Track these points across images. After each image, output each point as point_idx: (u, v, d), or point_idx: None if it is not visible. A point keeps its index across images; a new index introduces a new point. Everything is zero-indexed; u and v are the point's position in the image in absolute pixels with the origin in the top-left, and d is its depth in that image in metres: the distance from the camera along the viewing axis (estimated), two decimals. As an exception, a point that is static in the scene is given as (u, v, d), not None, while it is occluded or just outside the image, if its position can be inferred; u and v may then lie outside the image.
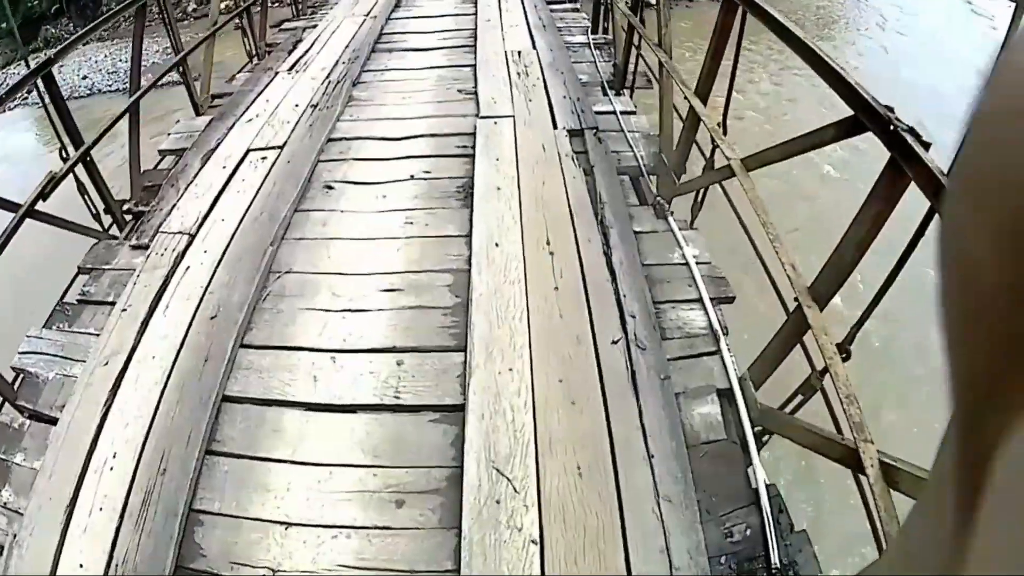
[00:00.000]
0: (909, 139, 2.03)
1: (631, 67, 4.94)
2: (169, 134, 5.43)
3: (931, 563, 0.25)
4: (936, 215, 1.95)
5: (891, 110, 2.17)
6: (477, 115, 4.58)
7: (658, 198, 3.82)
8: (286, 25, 7.87)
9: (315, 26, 7.26)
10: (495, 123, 4.40)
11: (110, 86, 14.95)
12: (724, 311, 3.31)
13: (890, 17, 27.03)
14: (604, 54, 5.75)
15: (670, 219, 3.71)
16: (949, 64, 21.00)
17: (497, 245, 3.43)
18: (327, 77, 5.51)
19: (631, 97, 5.05)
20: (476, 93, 4.92)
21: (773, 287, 3.19)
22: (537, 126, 4.35)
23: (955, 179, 0.21)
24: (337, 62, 5.83)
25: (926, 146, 2.03)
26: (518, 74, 5.10)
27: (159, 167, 5.17)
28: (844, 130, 2.44)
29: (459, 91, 5.06)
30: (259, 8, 7.40)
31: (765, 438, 2.90)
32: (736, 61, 3.34)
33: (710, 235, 3.92)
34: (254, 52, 7.12)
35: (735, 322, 3.34)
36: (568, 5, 7.29)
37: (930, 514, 0.26)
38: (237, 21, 6.65)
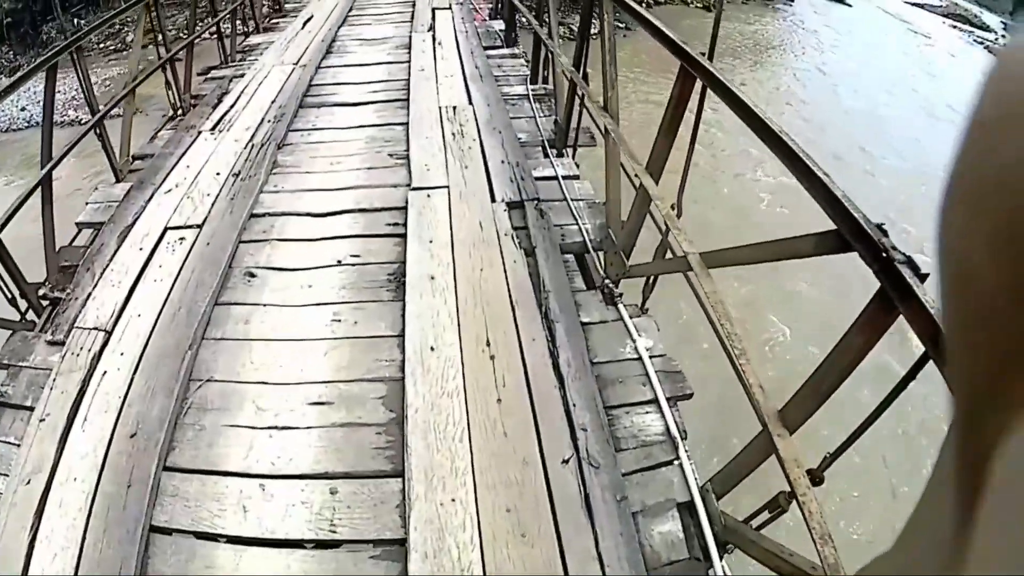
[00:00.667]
0: (905, 273, 1.75)
1: (574, 124, 4.73)
2: (87, 203, 5.04)
3: (932, 563, 0.24)
4: (930, 360, 1.70)
5: (884, 232, 1.89)
6: (409, 186, 4.32)
7: (607, 281, 3.61)
8: (213, 74, 7.50)
9: (243, 75, 6.93)
10: (428, 196, 4.15)
11: (49, 118, 14.40)
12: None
13: (826, 40, 27.55)
14: (544, 107, 5.54)
15: (620, 306, 3.50)
16: (888, 85, 21.58)
17: (432, 349, 3.17)
18: (251, 139, 5.19)
19: (573, 157, 4.85)
20: (408, 158, 4.66)
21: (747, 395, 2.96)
22: (474, 199, 4.11)
23: (952, 183, 0.21)
24: (262, 120, 5.51)
25: (922, 278, 1.75)
26: (453, 135, 4.85)
27: (75, 243, 4.81)
28: (825, 246, 2.14)
29: (390, 155, 4.79)
30: (184, 56, 7.02)
31: (729, 546, 2.71)
32: (694, 138, 3.16)
33: (661, 294, 3.71)
34: (178, 105, 6.75)
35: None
36: (506, 51, 7.08)
37: (930, 514, 0.25)
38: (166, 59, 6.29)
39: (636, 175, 3.33)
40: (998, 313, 0.20)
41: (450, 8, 8.85)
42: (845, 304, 2.11)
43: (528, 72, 6.23)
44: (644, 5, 25.75)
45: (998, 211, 0.19)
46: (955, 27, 43.49)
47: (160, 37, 6.55)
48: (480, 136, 4.82)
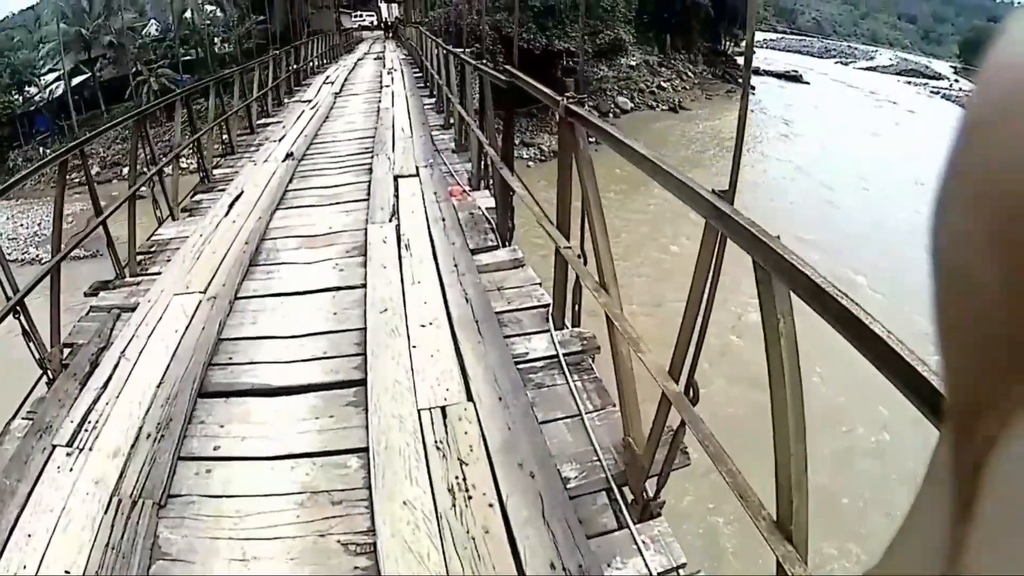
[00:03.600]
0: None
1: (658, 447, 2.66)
2: None
3: (928, 563, 0.24)
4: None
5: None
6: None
7: None
8: (102, 297, 5.37)
9: (136, 305, 4.88)
10: None
11: (9, 254, 13.20)
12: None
13: (793, 124, 26.69)
14: (589, 383, 3.47)
15: None
16: (862, 170, 20.54)
17: None
18: (118, 484, 3.06)
19: (657, 494, 2.74)
20: (376, 559, 2.53)
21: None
22: None
23: (947, 183, 0.21)
24: (139, 434, 3.38)
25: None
26: (451, 491, 2.70)
27: None
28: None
29: (342, 544, 2.63)
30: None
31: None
32: None
33: None
34: (45, 364, 4.66)
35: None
36: (504, 254, 4.99)
37: (927, 514, 0.25)
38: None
39: None
40: (994, 314, 0.19)
41: (417, 175, 6.97)
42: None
43: (548, 301, 4.18)
44: (611, 115, 24.94)
45: (995, 210, 0.18)
46: (910, 83, 44.16)
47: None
48: (500, 494, 2.69)
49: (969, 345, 0.21)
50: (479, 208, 5.94)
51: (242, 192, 7.24)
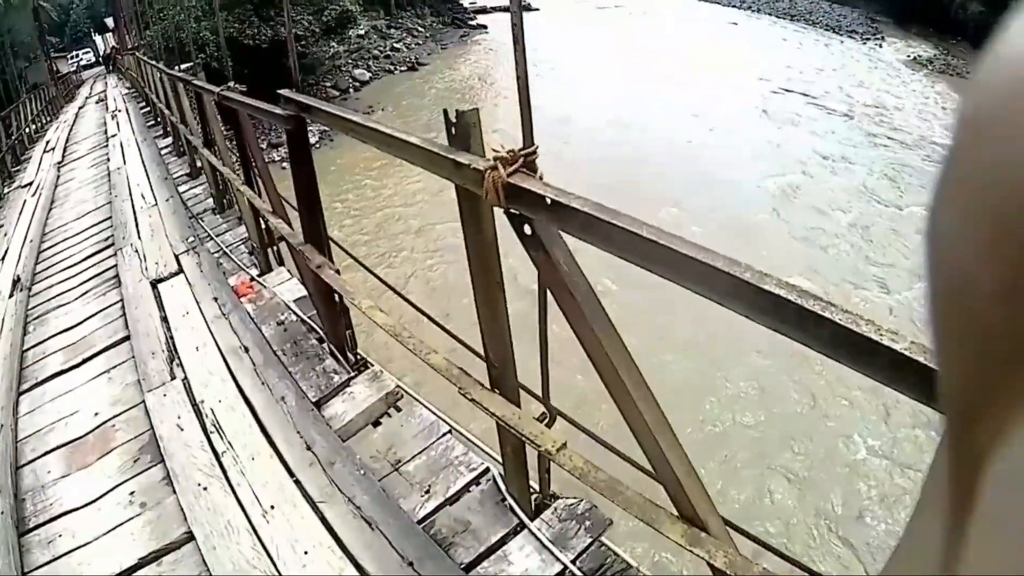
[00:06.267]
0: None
1: None
2: None
3: (932, 565, 0.23)
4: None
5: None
6: None
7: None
8: None
9: None
10: None
11: None
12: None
13: (541, 61, 25.94)
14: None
15: None
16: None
17: None
18: None
19: None
20: None
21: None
22: None
23: (944, 183, 0.20)
24: None
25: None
26: None
27: None
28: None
29: None
30: None
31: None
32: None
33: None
34: None
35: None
36: (364, 387, 3.22)
37: (926, 519, 0.24)
38: None
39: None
40: (994, 315, 0.18)
41: (181, 271, 4.94)
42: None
43: (482, 461, 2.57)
44: (351, 90, 23.19)
45: (996, 210, 0.18)
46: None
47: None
48: None
49: (967, 346, 0.20)
50: (288, 308, 4.11)
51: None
